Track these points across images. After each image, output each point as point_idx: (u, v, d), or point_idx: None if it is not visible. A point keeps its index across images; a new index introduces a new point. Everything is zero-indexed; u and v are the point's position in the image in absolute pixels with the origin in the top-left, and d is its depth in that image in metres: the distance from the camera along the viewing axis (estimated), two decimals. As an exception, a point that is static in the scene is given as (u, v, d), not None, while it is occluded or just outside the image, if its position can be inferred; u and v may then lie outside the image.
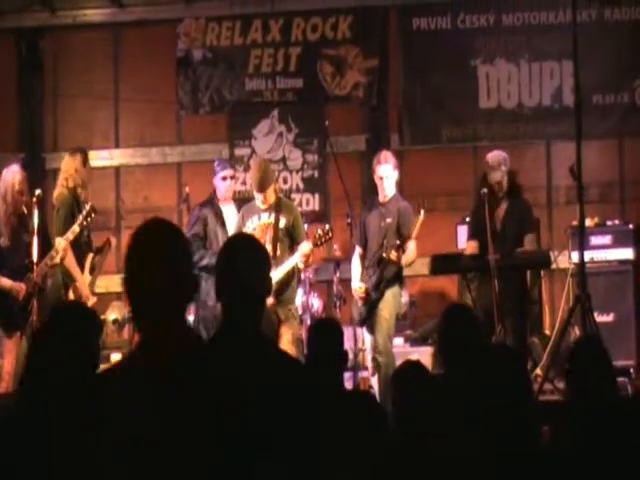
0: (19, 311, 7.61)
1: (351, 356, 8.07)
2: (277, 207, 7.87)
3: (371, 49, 10.77)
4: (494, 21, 10.51)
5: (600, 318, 8.28)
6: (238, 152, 10.81)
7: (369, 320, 8.00)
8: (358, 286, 8.10)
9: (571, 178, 7.65)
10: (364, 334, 8.19)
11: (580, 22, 8.20)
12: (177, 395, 2.62)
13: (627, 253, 9.24)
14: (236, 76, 10.94)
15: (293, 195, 10.58)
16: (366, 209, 8.49)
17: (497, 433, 3.44)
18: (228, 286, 3.13)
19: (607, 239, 9.28)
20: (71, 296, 7.85)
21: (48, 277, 7.88)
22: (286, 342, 7.54)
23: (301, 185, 10.82)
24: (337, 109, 10.72)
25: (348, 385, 7.77)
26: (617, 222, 9.53)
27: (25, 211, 7.76)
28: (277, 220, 7.81)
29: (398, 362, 6.41)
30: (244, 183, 9.18)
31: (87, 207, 7.91)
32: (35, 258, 7.57)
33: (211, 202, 8.50)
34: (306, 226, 8.44)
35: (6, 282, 7.66)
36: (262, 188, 7.83)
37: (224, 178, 8.49)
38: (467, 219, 8.84)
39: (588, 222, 8.70)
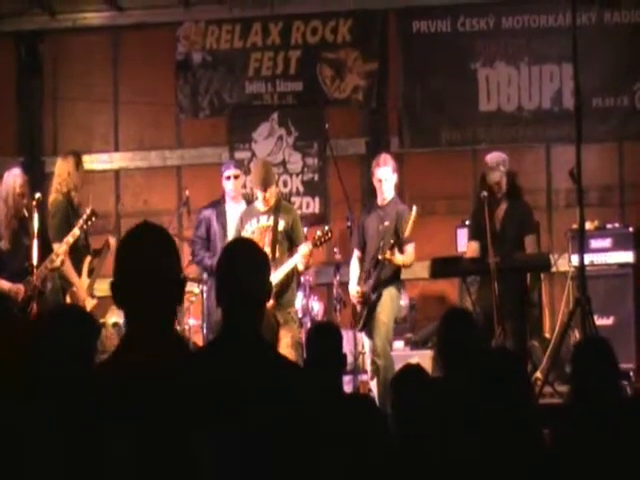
0: (19, 313, 7.61)
1: (351, 359, 8.08)
2: (276, 210, 7.87)
3: (371, 52, 10.77)
4: (494, 24, 10.51)
5: (600, 321, 8.28)
6: (238, 155, 10.80)
7: (368, 324, 8.00)
8: (355, 290, 8.10)
9: (571, 181, 7.65)
10: (363, 337, 8.19)
11: (580, 25, 8.20)
12: (159, 398, 2.64)
13: (627, 256, 9.24)
14: (236, 79, 10.95)
15: (293, 198, 10.57)
16: (365, 212, 8.50)
17: (497, 436, 3.44)
18: (228, 291, 3.14)
19: (607, 242, 9.28)
20: (68, 300, 7.87)
21: (48, 280, 7.88)
22: (285, 345, 7.53)
23: (301, 188, 10.82)
24: (337, 112, 10.71)
25: (348, 388, 7.78)
26: (617, 225, 9.53)
27: (26, 214, 7.77)
28: (276, 222, 7.81)
29: (398, 365, 6.41)
30: (244, 186, 9.18)
31: (87, 211, 7.93)
32: (35, 261, 7.58)
33: (217, 203, 8.56)
34: (306, 229, 8.45)
35: (5, 284, 7.66)
36: (265, 186, 7.81)
37: (227, 178, 8.53)
38: (467, 222, 8.83)
39: (588, 225, 8.71)
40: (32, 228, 7.63)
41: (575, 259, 8.35)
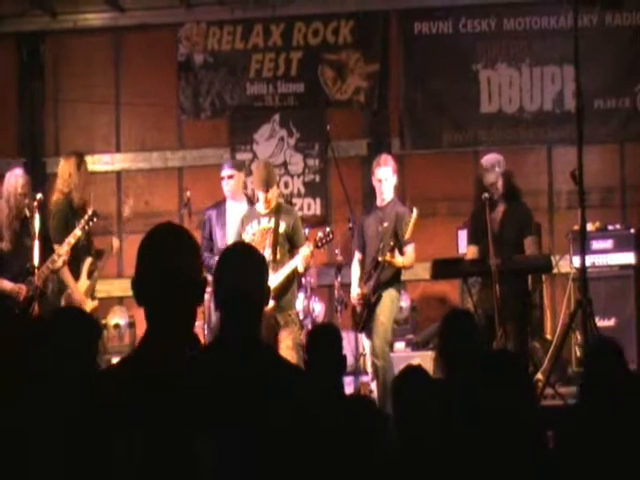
0: (20, 313, 7.61)
1: (352, 361, 8.08)
2: (277, 212, 7.87)
3: (372, 54, 10.77)
4: (495, 26, 10.51)
5: (601, 323, 8.29)
6: (239, 157, 10.79)
7: (368, 325, 8.00)
8: (355, 292, 8.11)
9: (572, 183, 7.65)
10: (363, 339, 8.19)
11: (581, 27, 8.19)
12: (173, 399, 2.64)
13: (628, 258, 9.24)
14: (237, 81, 10.95)
15: (294, 200, 10.56)
16: (364, 213, 8.52)
17: (499, 438, 3.43)
18: (225, 294, 3.13)
19: (608, 244, 9.28)
20: (63, 303, 7.83)
21: (49, 281, 7.88)
22: (286, 348, 7.53)
23: (302, 190, 10.82)
24: (338, 114, 10.71)
25: (349, 390, 7.77)
26: (618, 227, 9.53)
27: (27, 215, 7.77)
28: (277, 224, 7.81)
29: (399, 367, 6.40)
30: (245, 187, 9.18)
31: (89, 212, 7.93)
32: (36, 262, 7.58)
33: (219, 204, 8.63)
34: (307, 231, 8.45)
35: (7, 285, 7.67)
36: (267, 187, 7.81)
37: (222, 178, 8.57)
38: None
39: (589, 227, 8.71)
40: (33, 229, 7.63)
41: (576, 260, 8.35)
